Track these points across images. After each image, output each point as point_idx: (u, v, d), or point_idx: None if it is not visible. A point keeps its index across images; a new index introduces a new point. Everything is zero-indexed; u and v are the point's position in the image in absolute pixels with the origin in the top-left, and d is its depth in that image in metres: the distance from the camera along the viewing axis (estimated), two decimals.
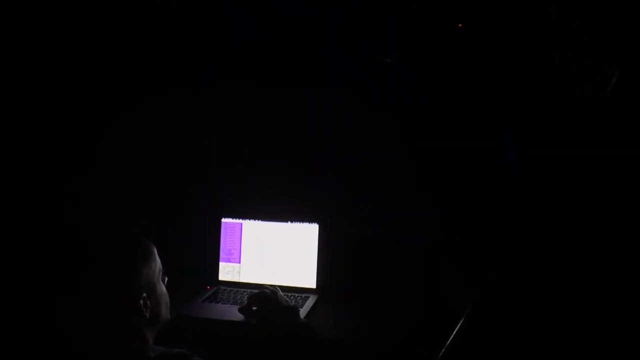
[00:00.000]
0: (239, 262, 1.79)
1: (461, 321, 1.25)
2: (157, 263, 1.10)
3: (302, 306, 1.59)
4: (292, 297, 1.65)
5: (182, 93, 1.83)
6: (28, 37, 1.58)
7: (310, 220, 1.75)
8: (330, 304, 1.66)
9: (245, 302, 1.48)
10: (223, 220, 1.80)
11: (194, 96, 1.83)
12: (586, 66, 1.44)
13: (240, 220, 1.79)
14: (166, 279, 1.16)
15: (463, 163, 1.72)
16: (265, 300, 1.42)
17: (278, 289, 1.49)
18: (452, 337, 1.24)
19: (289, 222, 1.76)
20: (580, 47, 1.45)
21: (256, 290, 1.48)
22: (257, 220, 1.79)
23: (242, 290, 1.72)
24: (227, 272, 1.79)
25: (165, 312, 1.13)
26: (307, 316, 1.55)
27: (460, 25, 1.68)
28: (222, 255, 1.80)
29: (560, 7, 1.47)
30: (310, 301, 1.65)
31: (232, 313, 1.52)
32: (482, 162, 1.70)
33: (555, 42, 1.50)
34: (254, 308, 1.44)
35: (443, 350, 1.17)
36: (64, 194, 1.62)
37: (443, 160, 1.76)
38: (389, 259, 1.76)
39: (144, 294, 1.03)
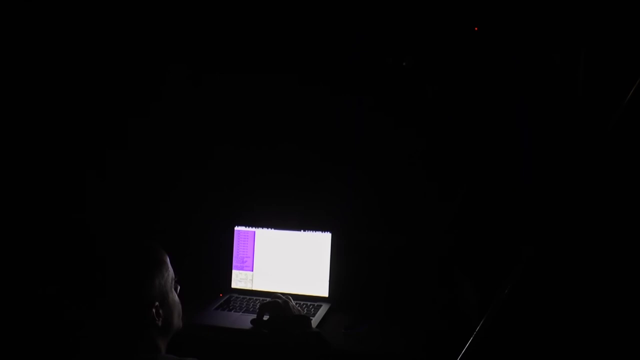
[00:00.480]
0: (252, 270, 1.79)
1: (474, 333, 1.24)
2: (170, 272, 1.11)
3: (314, 315, 1.59)
4: (304, 306, 1.65)
5: (197, 104, 1.85)
6: (35, 42, 1.62)
7: (323, 229, 1.75)
8: (343, 313, 1.66)
9: (257, 310, 1.48)
10: (236, 228, 1.81)
11: (209, 107, 1.85)
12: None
13: (254, 229, 1.80)
14: (179, 287, 1.17)
15: (474, 171, 1.71)
16: (277, 309, 1.42)
17: (290, 298, 1.49)
18: (465, 349, 1.23)
19: (302, 231, 1.76)
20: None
21: (268, 299, 1.49)
22: (270, 229, 1.79)
23: (254, 298, 1.72)
24: (240, 279, 1.80)
25: (177, 320, 1.14)
26: (319, 325, 1.54)
27: (476, 29, 1.69)
28: (235, 263, 1.81)
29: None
30: (323, 310, 1.65)
31: (244, 321, 1.52)
32: (495, 170, 1.69)
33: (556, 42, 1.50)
34: (266, 317, 1.44)
35: None
36: (79, 202, 1.65)
37: (455, 168, 1.75)
38: (401, 268, 1.75)
39: (157, 303, 1.04)
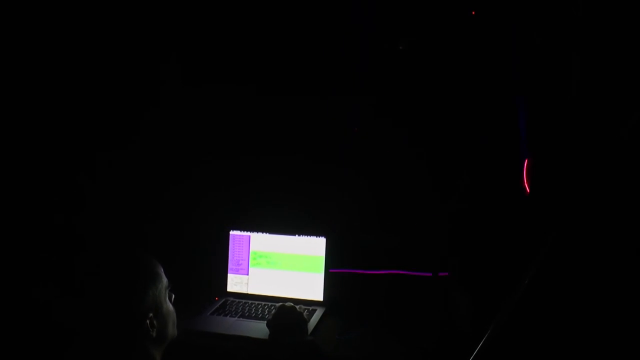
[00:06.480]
0: (247, 274, 1.80)
1: (479, 346, 1.24)
2: (164, 282, 1.11)
3: (309, 319, 1.60)
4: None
5: (195, 109, 1.85)
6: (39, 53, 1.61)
7: (318, 234, 1.76)
8: (338, 318, 1.66)
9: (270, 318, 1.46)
10: (231, 232, 1.82)
11: (205, 113, 1.85)
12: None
13: (249, 233, 1.81)
14: (173, 296, 1.18)
15: (475, 180, 1.71)
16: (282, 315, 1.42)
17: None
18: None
19: (297, 236, 1.77)
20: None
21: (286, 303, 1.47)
22: (265, 233, 1.80)
23: (249, 302, 1.73)
24: (235, 283, 1.81)
25: (172, 329, 1.14)
26: (314, 330, 1.55)
27: (473, 12, 1.68)
28: (230, 266, 1.81)
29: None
30: (318, 314, 1.65)
31: (239, 326, 1.54)
32: (495, 181, 1.68)
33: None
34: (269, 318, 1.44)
35: None
36: (74, 205, 1.65)
37: (455, 173, 1.75)
38: (396, 274, 1.76)
39: (150, 314, 1.04)
